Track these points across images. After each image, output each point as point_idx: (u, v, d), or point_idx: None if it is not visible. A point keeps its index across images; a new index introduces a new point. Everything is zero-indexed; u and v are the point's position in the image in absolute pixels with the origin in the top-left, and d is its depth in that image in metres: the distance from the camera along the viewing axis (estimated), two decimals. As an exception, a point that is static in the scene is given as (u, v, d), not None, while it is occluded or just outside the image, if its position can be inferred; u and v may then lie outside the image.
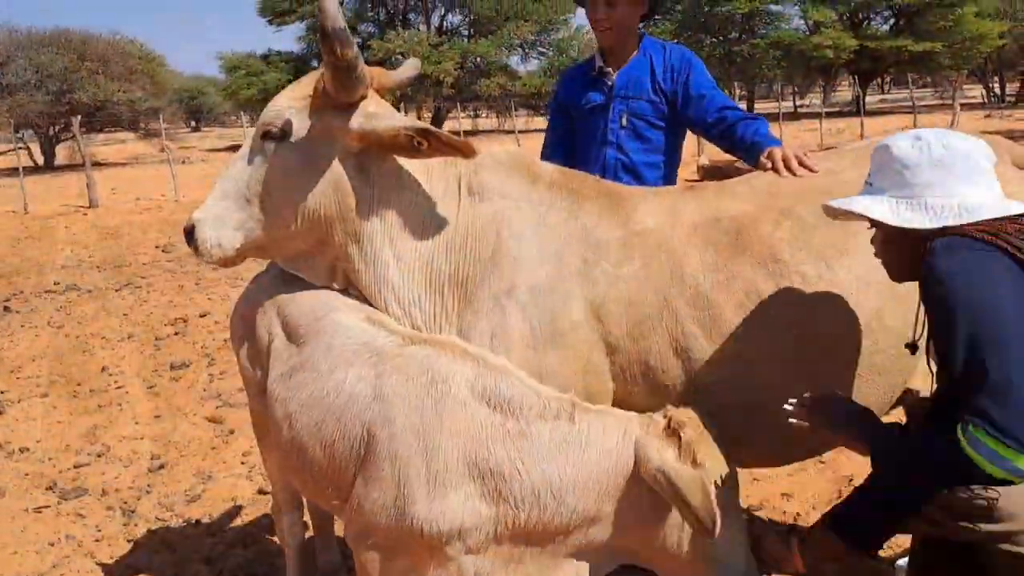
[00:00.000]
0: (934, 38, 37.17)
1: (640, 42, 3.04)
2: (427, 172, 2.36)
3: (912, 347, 1.96)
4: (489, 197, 2.35)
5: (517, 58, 43.75)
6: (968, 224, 1.65)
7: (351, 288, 2.46)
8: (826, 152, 2.77)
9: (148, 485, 4.17)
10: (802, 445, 2.35)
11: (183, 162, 27.85)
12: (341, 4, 2.46)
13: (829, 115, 29.87)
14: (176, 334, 7.06)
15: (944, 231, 1.66)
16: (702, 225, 2.29)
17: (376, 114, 2.26)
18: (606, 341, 2.26)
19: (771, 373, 2.21)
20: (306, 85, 2.32)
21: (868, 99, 44.17)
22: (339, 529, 3.25)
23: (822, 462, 4.02)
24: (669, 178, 3.04)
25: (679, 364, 2.24)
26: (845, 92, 49.69)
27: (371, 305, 2.41)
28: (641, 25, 3.06)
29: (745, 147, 2.70)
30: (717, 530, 1.86)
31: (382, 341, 2.24)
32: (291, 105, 2.30)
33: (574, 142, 3.12)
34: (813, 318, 2.18)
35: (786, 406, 1.98)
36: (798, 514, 3.55)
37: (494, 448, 2.03)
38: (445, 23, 43.09)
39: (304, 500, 2.99)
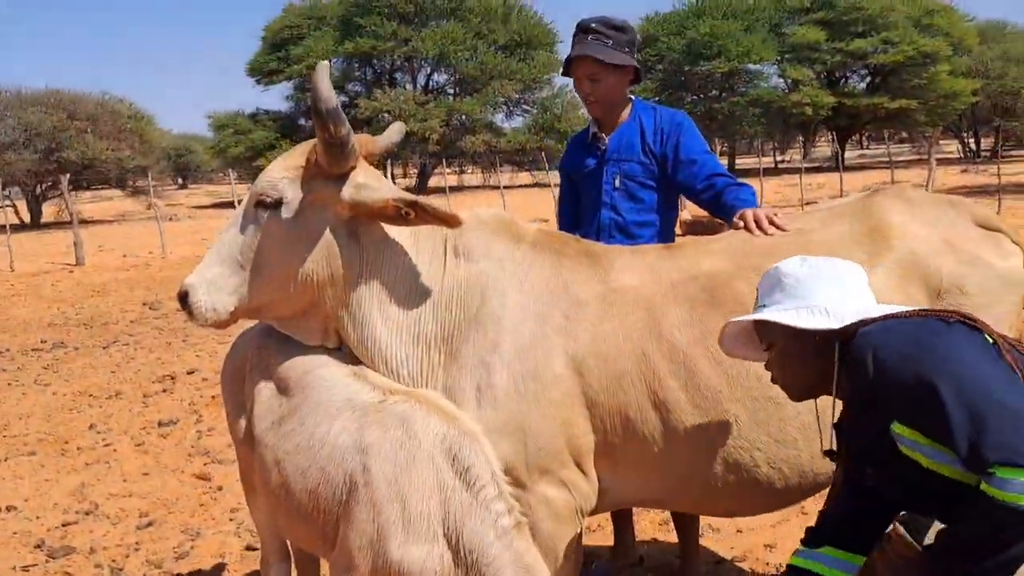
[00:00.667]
0: (909, 95, 38.15)
1: (632, 106, 3.17)
2: (414, 235, 2.47)
3: (831, 454, 1.98)
4: (474, 258, 2.46)
5: (502, 115, 44.29)
6: (868, 319, 1.74)
7: (343, 346, 2.56)
8: (796, 214, 2.90)
9: (136, 543, 4.17)
10: (779, 496, 2.43)
11: (170, 219, 28.01)
12: (329, 63, 2.59)
13: (809, 170, 30.34)
14: (164, 391, 7.08)
15: (847, 331, 1.74)
16: (680, 282, 2.41)
17: (366, 185, 2.37)
18: (586, 395, 2.35)
19: (745, 426, 2.30)
20: (298, 156, 2.43)
21: (847, 155, 44.98)
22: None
23: (804, 513, 4.08)
24: (663, 235, 3.15)
25: (657, 416, 2.33)
26: (825, 148, 50.55)
27: (360, 362, 2.51)
28: (629, 90, 3.19)
29: (727, 210, 2.83)
30: None
31: (365, 396, 2.36)
32: (284, 175, 2.41)
33: (578, 205, 3.26)
34: None
35: None
36: (780, 564, 3.61)
37: (452, 510, 2.15)
38: (431, 82, 43.81)
39: (291, 552, 3.04)
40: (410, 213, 2.31)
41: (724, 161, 40.70)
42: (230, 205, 37.24)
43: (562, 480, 2.39)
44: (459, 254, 2.47)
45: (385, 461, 2.18)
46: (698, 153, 3.03)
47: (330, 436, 2.29)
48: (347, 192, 2.35)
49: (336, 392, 2.39)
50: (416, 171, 41.91)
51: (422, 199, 2.32)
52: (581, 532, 2.52)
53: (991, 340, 1.68)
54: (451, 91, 43.46)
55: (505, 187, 27.69)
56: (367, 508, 2.17)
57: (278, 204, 2.39)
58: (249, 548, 4.05)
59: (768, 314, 1.83)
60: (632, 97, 3.21)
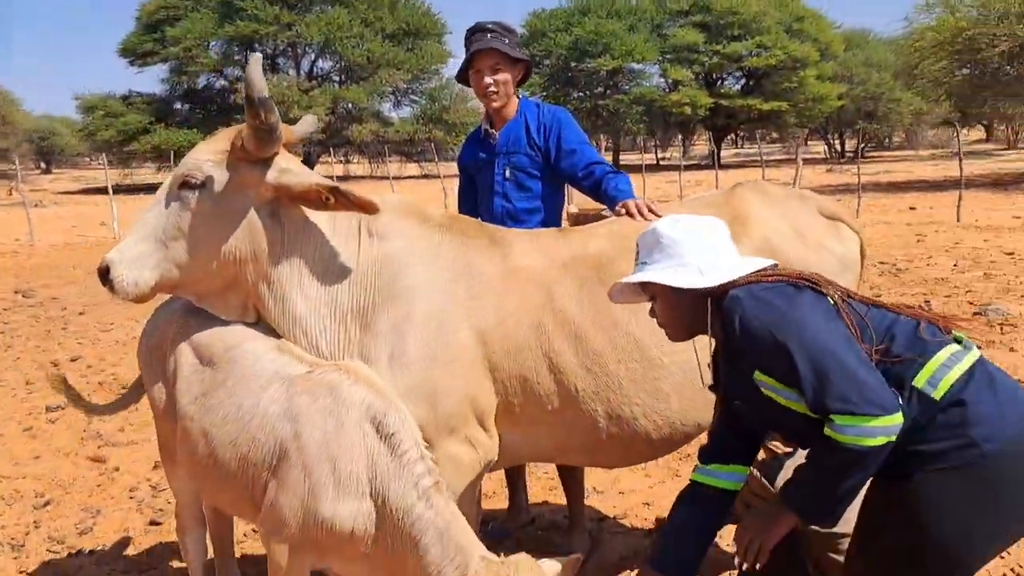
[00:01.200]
0: (780, 98, 40.15)
1: (518, 104, 3.48)
2: (332, 217, 2.67)
3: (712, 387, 2.31)
4: (387, 238, 2.69)
5: (389, 105, 44.09)
6: (736, 279, 2.06)
7: (261, 322, 2.74)
8: (670, 203, 3.26)
9: (35, 521, 4.19)
10: (654, 446, 2.77)
11: (36, 205, 26.63)
12: (261, 56, 2.77)
13: (688, 167, 31.66)
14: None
15: (718, 289, 2.06)
16: (570, 262, 2.72)
17: (289, 170, 2.57)
18: (489, 361, 2.63)
19: (626, 384, 2.63)
20: (223, 140, 2.59)
21: (724, 153, 46.97)
22: (239, 551, 3.46)
23: (677, 476, 4.51)
24: (549, 222, 3.47)
25: (551, 378, 2.63)
26: (703, 146, 52.63)
27: (279, 336, 2.70)
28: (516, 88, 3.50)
29: (608, 199, 3.17)
30: None
31: (292, 368, 2.54)
32: (209, 158, 2.56)
33: (475, 197, 3.56)
34: (657, 340, 2.61)
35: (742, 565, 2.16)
36: (657, 518, 4.00)
37: (378, 472, 2.36)
38: (316, 69, 43.13)
39: (207, 522, 3.19)
40: (330, 199, 2.51)
41: (608, 157, 41.82)
42: (101, 191, 35.59)
43: (467, 437, 2.66)
44: (372, 234, 2.70)
45: (315, 427, 2.37)
46: (577, 144, 3.38)
47: (260, 406, 2.46)
48: (272, 176, 2.53)
49: (263, 365, 2.56)
50: (300, 159, 41.18)
51: (342, 186, 2.53)
52: (481, 485, 2.80)
53: (832, 301, 2.05)
54: (337, 78, 42.92)
55: (394, 178, 27.69)
56: (299, 471, 2.36)
57: (204, 185, 2.55)
58: (152, 523, 4.14)
59: (652, 275, 2.11)
60: (518, 96, 3.51)
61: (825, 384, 1.85)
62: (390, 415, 2.39)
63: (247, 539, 3.91)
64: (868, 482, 1.98)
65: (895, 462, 1.90)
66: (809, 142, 60.66)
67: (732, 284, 2.05)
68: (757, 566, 2.09)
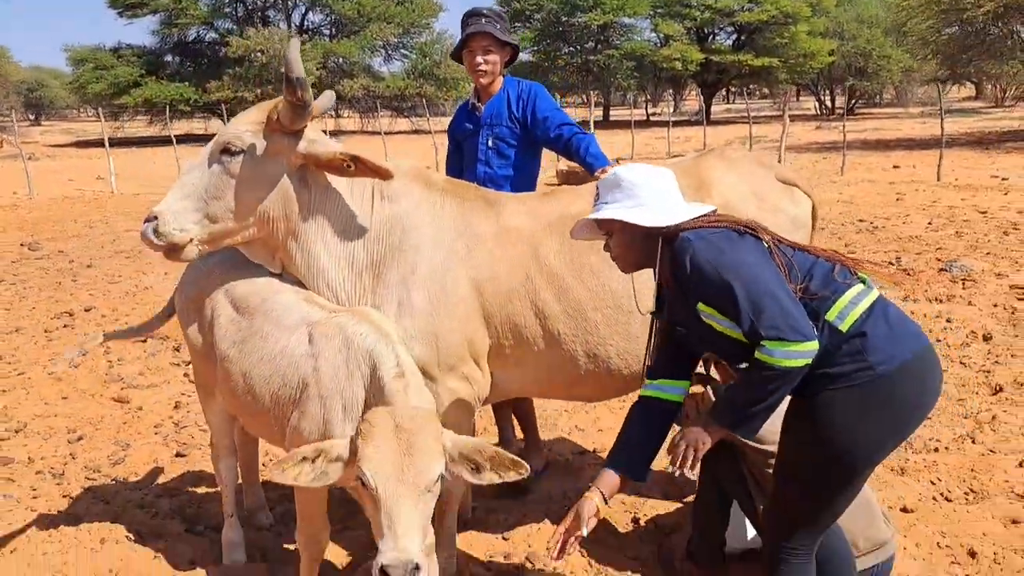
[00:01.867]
0: (771, 54, 40.11)
1: (503, 80, 3.94)
2: (349, 182, 3.07)
3: (655, 314, 2.69)
4: (396, 200, 3.09)
5: (380, 59, 43.99)
6: (684, 221, 2.42)
7: (286, 272, 3.14)
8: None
9: (71, 454, 4.63)
10: (626, 381, 3.21)
11: (29, 158, 26.72)
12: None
13: (678, 124, 31.80)
14: (65, 327, 7.34)
15: (670, 230, 2.42)
16: (555, 221, 3.12)
17: (317, 140, 2.96)
18: (484, 308, 3.05)
19: (602, 327, 3.06)
20: (259, 113, 2.97)
21: (715, 109, 47.01)
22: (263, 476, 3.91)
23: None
24: (526, 187, 3.92)
25: (537, 323, 3.06)
26: (695, 102, 52.64)
27: (303, 286, 3.10)
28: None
29: (581, 161, 3.65)
30: None
31: (315, 314, 2.95)
32: (248, 128, 2.94)
33: (462, 162, 4.01)
34: (629, 290, 3.02)
35: (676, 471, 2.51)
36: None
37: (370, 392, 2.71)
38: (306, 22, 42.91)
39: (237, 450, 3.63)
40: (351, 166, 2.90)
41: (598, 113, 41.85)
42: (93, 144, 35.66)
43: (464, 375, 3.09)
44: (384, 197, 3.10)
45: (328, 363, 2.78)
46: (549, 111, 3.85)
47: (288, 349, 2.87)
48: (302, 146, 2.93)
49: (292, 313, 2.97)
50: (307, 123, 41.04)
51: (363, 155, 2.91)
52: (474, 417, 3.24)
53: (767, 245, 2.44)
54: (327, 32, 42.72)
55: (385, 133, 27.85)
56: (316, 401, 2.78)
57: (243, 152, 2.93)
58: (178, 455, 4.60)
59: (614, 213, 2.46)
60: (503, 76, 3.96)
61: (760, 316, 2.24)
62: (380, 345, 2.71)
63: (264, 468, 4.36)
64: (787, 403, 2.42)
65: (806, 384, 2.32)
66: (801, 98, 60.72)
67: (682, 227, 2.42)
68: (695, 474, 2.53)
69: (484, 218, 3.15)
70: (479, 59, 3.81)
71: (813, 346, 2.24)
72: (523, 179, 3.92)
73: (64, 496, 4.13)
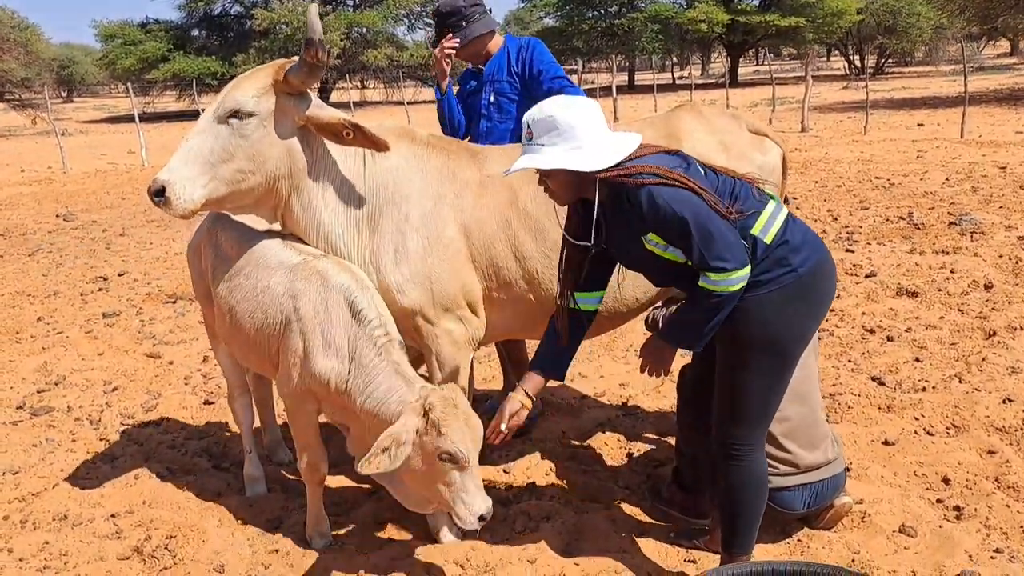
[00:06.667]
0: (798, 13, 39.53)
1: (503, 39, 4.16)
2: None
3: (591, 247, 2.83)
4: (386, 155, 3.30)
5: (404, 28, 43.98)
6: (617, 165, 2.57)
7: (285, 228, 3.37)
8: (622, 123, 3.82)
9: (107, 403, 4.97)
10: (604, 320, 3.39)
11: (63, 134, 27.29)
12: (316, 3, 3.34)
13: (703, 86, 31.58)
14: (100, 290, 7.70)
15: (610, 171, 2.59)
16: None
17: (321, 105, 3.16)
18: (471, 252, 3.29)
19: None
20: (265, 75, 3.13)
21: (743, 71, 46.53)
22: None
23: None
24: None
25: (517, 264, 3.29)
26: (722, 64, 52.04)
27: (303, 240, 3.33)
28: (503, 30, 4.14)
29: None
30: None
31: (294, 259, 3.21)
32: (255, 92, 3.11)
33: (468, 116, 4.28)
34: None
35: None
36: (630, 395, 4.70)
37: (351, 338, 3.02)
38: (330, -8, 42.90)
39: (252, 390, 3.93)
40: (351, 133, 3.11)
41: (623, 77, 41.60)
42: (124, 120, 36.27)
43: (459, 317, 3.33)
44: (374, 154, 3.31)
45: (310, 302, 3.07)
46: (546, 64, 4.05)
47: (269, 287, 3.16)
48: (310, 109, 3.12)
49: (272, 255, 3.24)
50: (317, 86, 41.27)
51: (362, 123, 3.12)
52: (472, 357, 3.48)
53: (703, 171, 2.67)
54: (351, 2, 42.75)
55: (409, 103, 28.01)
56: (298, 336, 3.07)
57: (252, 115, 3.10)
58: (206, 402, 4.92)
59: (555, 160, 2.57)
60: (502, 34, 4.18)
61: (710, 248, 2.48)
62: (359, 295, 3.05)
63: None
64: None
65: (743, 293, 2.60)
66: (832, 58, 59.77)
67: (621, 167, 2.58)
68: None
69: (468, 167, 3.37)
70: (462, 54, 4.11)
71: (748, 270, 2.53)
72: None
73: (101, 440, 4.46)
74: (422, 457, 2.76)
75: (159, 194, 3.07)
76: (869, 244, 7.83)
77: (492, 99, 4.10)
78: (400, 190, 3.28)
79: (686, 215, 2.49)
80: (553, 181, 2.70)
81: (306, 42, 2.94)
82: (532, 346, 4.82)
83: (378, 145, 3.15)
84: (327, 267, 3.12)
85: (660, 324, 3.58)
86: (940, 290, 6.23)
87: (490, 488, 3.78)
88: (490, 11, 4.15)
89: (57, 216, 12.17)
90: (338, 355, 3.01)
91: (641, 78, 47.94)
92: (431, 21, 38.73)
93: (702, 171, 2.68)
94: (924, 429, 4.12)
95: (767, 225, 2.61)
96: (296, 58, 3.09)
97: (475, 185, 3.33)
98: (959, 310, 5.79)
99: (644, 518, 3.47)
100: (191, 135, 3.18)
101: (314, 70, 3.02)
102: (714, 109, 3.68)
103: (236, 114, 3.10)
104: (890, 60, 45.80)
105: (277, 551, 3.32)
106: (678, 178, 2.55)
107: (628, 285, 3.27)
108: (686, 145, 3.31)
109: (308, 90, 3.15)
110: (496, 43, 4.15)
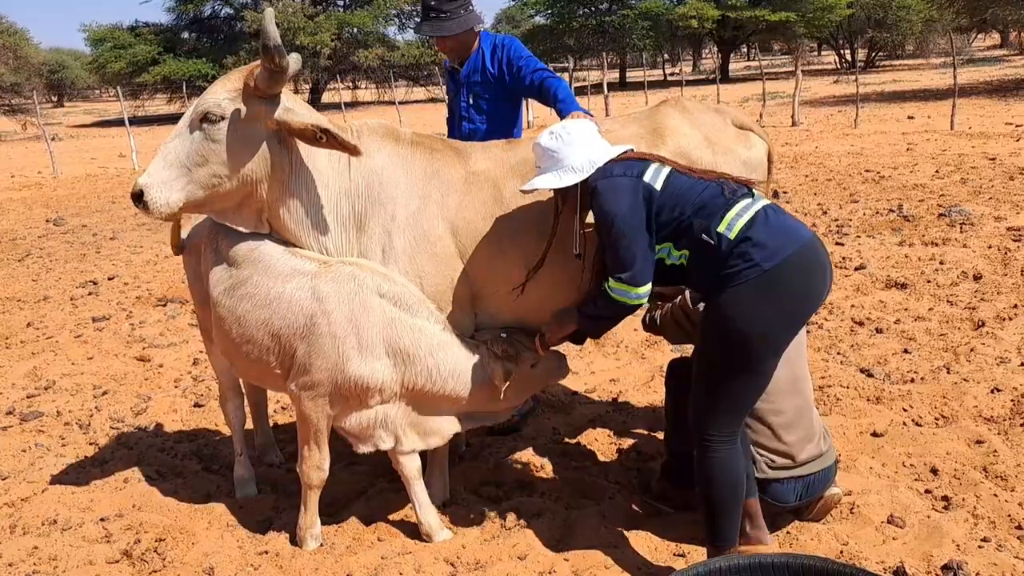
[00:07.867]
0: (788, 8, 39.54)
1: (479, 39, 4.12)
2: None
3: (578, 256, 3.04)
4: (371, 155, 3.29)
5: (394, 28, 43.89)
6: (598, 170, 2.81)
7: (273, 232, 3.35)
8: (606, 118, 3.82)
9: (96, 407, 4.96)
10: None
11: (53, 138, 27.20)
12: (274, 8, 3.31)
13: (694, 83, 31.56)
14: (90, 295, 7.68)
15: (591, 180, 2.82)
16: (516, 166, 3.32)
17: (292, 109, 3.11)
18: (459, 249, 3.27)
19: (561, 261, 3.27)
20: (236, 80, 3.11)
21: (734, 66, 46.55)
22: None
23: (643, 357, 5.20)
24: (505, 135, 4.10)
25: (504, 260, 3.27)
26: (713, 60, 52.03)
27: (289, 243, 3.31)
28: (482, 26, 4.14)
29: (553, 105, 3.81)
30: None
31: (308, 265, 3.19)
32: (227, 96, 3.09)
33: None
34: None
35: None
36: (620, 391, 4.71)
37: (401, 335, 3.09)
38: (320, -7, 42.80)
39: (244, 392, 3.92)
40: (322, 137, 3.08)
41: (615, 75, 41.64)
42: (114, 124, 36.12)
43: (452, 312, 3.32)
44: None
45: (342, 305, 3.06)
46: (523, 58, 4.05)
47: (286, 293, 3.13)
48: (278, 112, 3.09)
49: (281, 263, 3.21)
50: (308, 87, 41.24)
51: (333, 127, 3.08)
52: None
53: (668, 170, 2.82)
54: (341, 3, 42.66)
55: (400, 103, 27.94)
56: (330, 339, 3.05)
57: (223, 118, 3.08)
58: (196, 405, 4.90)
59: (544, 183, 2.90)
60: (480, 32, 4.15)
61: (619, 260, 2.72)
62: (402, 292, 3.14)
63: (275, 414, 4.66)
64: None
65: (712, 289, 2.68)
66: (822, 53, 59.83)
67: (591, 176, 2.83)
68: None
69: (453, 165, 3.35)
70: (440, 45, 4.12)
71: (647, 290, 2.76)
72: (505, 130, 4.11)
73: (91, 444, 4.45)
74: (519, 376, 3.27)
75: (138, 198, 3.10)
76: (859, 237, 7.85)
77: (471, 100, 4.12)
78: (385, 190, 3.26)
79: (613, 222, 2.71)
80: (565, 205, 3.02)
81: (262, 49, 2.91)
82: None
83: (349, 150, 3.11)
84: (357, 271, 3.13)
85: (657, 324, 3.60)
86: (929, 282, 6.25)
87: (482, 486, 3.79)
88: (480, 12, 4.13)
89: (47, 221, 12.12)
90: (376, 357, 3.10)
91: (632, 75, 47.94)
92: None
93: (683, 178, 2.81)
94: (913, 420, 4.13)
95: (732, 221, 2.67)
96: None
97: (460, 183, 3.31)
98: (948, 301, 5.81)
99: (634, 513, 3.48)
100: (169, 139, 3.19)
101: (275, 75, 2.98)
102: (698, 104, 3.67)
103: (207, 118, 3.08)
104: (880, 53, 45.92)
105: (267, 552, 3.31)
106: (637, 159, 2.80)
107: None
108: (670, 141, 3.31)
109: (279, 94, 3.11)
110: (475, 43, 4.12)
